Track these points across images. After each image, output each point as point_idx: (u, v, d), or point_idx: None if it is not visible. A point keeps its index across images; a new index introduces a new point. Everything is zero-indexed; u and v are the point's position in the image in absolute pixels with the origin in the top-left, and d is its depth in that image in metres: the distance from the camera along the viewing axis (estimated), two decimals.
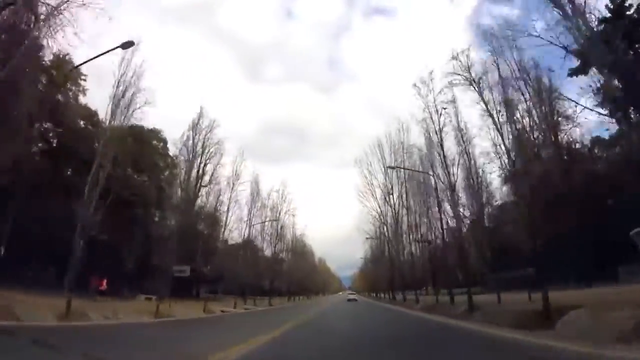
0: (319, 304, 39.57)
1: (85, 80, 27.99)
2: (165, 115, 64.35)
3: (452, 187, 17.78)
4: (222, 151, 41.37)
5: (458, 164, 18.18)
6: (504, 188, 35.82)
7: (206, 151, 42.41)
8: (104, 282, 24.36)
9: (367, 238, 44.23)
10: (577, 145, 29.79)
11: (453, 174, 18.09)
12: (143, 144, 31.19)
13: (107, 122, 23.63)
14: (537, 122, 31.46)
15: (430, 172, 20.00)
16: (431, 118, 19.82)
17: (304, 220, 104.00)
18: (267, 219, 36.35)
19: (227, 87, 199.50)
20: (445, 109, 19.85)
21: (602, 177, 26.59)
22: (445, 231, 20.04)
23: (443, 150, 18.63)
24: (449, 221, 20.75)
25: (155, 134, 34.34)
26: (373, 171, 33.11)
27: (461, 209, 27.60)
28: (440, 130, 19.45)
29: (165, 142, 34.94)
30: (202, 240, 38.68)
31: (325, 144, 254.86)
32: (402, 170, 30.47)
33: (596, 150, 30.97)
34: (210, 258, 39.79)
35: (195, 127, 42.12)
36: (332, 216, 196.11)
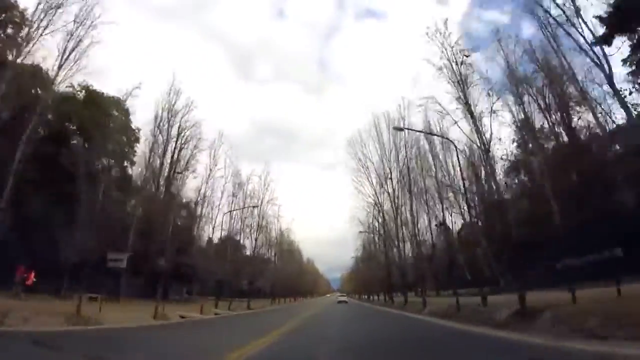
0: (307, 308, 34.68)
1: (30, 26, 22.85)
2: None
3: (486, 148, 13.34)
4: (200, 135, 37.12)
5: (491, 116, 13.74)
6: (506, 179, 32.23)
7: (182, 134, 38.14)
8: (32, 274, 19.16)
9: (360, 232, 39.77)
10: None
11: (484, 132, 13.66)
12: (98, 110, 25.97)
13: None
14: (548, 105, 27.97)
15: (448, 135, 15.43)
16: (451, 67, 15.42)
17: (292, 220, 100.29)
18: (246, 206, 31.39)
19: (217, 86, 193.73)
20: (468, 56, 15.60)
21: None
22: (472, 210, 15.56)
23: (469, 103, 14.17)
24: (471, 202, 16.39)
25: (116, 102, 29.20)
26: (368, 153, 28.72)
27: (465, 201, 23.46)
28: (463, 80, 15.07)
29: (128, 113, 29.79)
30: (174, 232, 33.67)
31: (314, 145, 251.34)
32: (404, 148, 26.14)
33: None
34: (184, 254, 34.71)
35: (171, 109, 37.85)
36: (321, 218, 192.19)
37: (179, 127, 36.73)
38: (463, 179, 15.11)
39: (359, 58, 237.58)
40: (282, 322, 15.44)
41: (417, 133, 28.61)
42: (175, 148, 37.19)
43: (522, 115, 28.29)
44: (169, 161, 36.33)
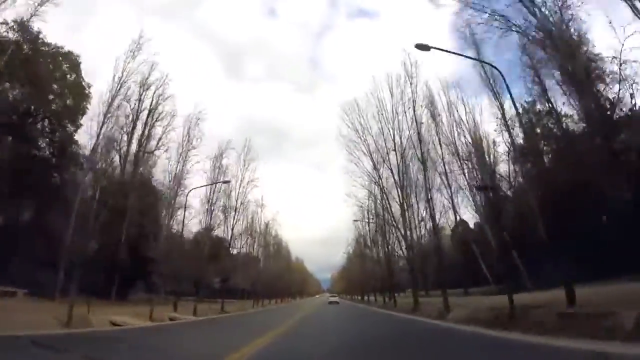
0: (294, 311, 29.55)
1: None
2: None
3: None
4: (175, 112, 32.44)
5: None
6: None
7: (154, 111, 33.41)
8: None
9: (355, 221, 34.93)
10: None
11: None
12: (38, 57, 20.40)
13: None
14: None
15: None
16: None
17: (277, 212, 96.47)
18: (215, 181, 26.01)
19: (207, 84, 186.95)
20: None
21: None
22: None
23: None
24: None
25: (66, 55, 23.86)
26: (367, 124, 23.78)
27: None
28: None
29: (78, 68, 24.36)
30: (137, 219, 28.27)
31: (304, 145, 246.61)
32: (413, 109, 21.37)
33: None
34: (149, 246, 29.22)
35: (144, 82, 33.01)
36: (311, 217, 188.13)
37: (151, 102, 32.10)
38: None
39: (352, 57, 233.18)
40: (252, 338, 10.34)
41: (421, 107, 23.78)
42: (145, 125, 32.47)
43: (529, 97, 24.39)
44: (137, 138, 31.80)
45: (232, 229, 27.74)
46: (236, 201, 28.07)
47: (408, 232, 21.22)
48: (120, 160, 30.49)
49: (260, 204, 37.12)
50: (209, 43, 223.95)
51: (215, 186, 26.14)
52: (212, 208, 25.72)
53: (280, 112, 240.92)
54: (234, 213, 27.82)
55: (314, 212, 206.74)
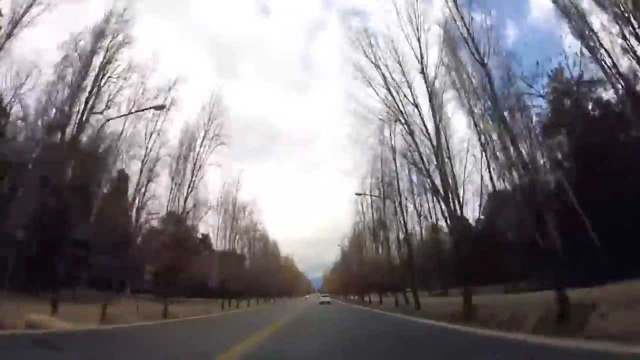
0: (278, 315, 21.85)
1: None
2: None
3: None
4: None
5: None
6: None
7: (109, 65, 25.89)
8: None
9: (357, 194, 28.55)
10: None
11: None
12: None
13: None
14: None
15: None
16: None
17: (273, 223, 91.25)
18: (144, 108, 18.05)
19: (198, 83, 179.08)
20: None
21: None
22: None
23: None
24: None
25: None
26: (377, 53, 16.30)
27: None
28: None
29: None
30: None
31: (296, 145, 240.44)
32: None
33: None
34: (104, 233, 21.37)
35: (99, 33, 25.67)
36: (302, 218, 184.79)
37: (106, 54, 24.68)
38: None
39: (344, 56, 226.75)
40: None
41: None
42: (95, 79, 24.97)
43: None
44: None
45: (185, 200, 19.72)
46: (194, 163, 20.11)
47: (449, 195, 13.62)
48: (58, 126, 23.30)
49: (237, 182, 29.89)
50: (200, 41, 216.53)
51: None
52: (145, 160, 17.89)
53: (272, 111, 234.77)
54: (191, 177, 19.80)
55: (306, 213, 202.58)
